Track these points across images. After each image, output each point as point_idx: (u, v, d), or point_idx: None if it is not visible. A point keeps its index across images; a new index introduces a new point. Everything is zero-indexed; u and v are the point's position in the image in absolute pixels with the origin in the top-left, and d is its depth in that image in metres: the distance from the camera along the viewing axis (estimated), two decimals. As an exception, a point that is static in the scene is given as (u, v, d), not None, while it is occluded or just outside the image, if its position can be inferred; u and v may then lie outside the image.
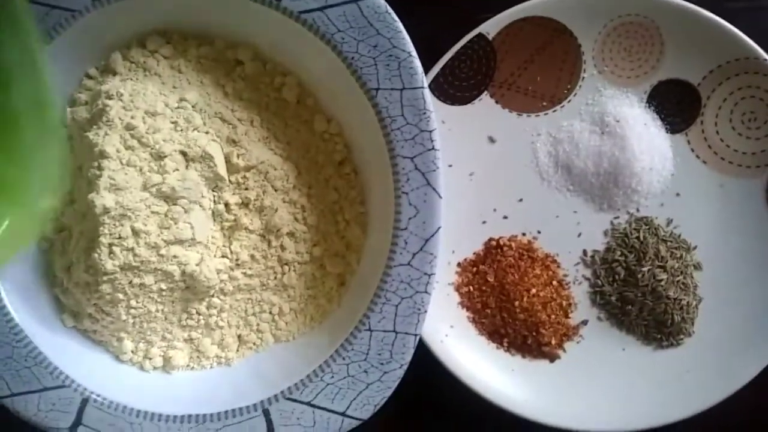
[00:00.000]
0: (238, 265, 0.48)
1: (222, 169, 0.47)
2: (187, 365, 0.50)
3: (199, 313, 0.48)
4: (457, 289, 0.58)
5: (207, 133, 0.48)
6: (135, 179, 0.45)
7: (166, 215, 0.46)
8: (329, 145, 0.51)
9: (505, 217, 0.59)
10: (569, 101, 0.59)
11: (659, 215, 0.58)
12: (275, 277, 0.49)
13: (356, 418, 0.44)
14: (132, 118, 0.46)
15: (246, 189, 0.48)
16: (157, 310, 0.47)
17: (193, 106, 0.48)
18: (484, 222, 0.59)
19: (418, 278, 0.44)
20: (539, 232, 0.59)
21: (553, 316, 0.57)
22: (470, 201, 0.58)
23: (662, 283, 0.56)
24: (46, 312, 0.48)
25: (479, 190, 0.58)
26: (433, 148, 0.43)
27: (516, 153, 0.59)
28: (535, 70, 0.58)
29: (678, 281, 0.56)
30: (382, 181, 0.45)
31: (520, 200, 0.59)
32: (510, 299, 0.57)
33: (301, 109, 0.51)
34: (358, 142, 0.49)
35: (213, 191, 0.48)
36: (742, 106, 0.56)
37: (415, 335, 0.44)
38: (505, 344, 0.58)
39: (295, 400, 0.45)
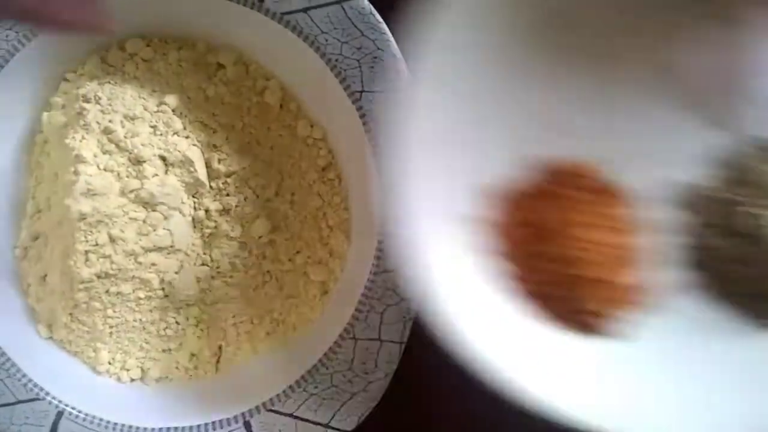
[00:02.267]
0: (218, 273, 0.47)
1: (203, 175, 0.46)
2: (165, 376, 0.48)
3: (177, 323, 0.47)
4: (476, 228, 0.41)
5: (187, 137, 0.46)
6: (113, 184, 0.44)
7: (144, 222, 0.45)
8: (313, 151, 0.50)
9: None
10: None
11: None
12: (256, 286, 0.48)
13: (340, 430, 0.43)
14: (110, 121, 0.45)
15: (227, 195, 0.47)
16: (135, 320, 0.46)
17: (173, 110, 0.47)
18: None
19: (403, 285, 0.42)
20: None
21: (603, 271, 0.39)
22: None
23: None
24: (20, 322, 0.46)
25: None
26: (419, 153, 0.42)
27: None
28: None
29: None
30: (366, 185, 0.44)
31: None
32: (545, 241, 0.40)
33: (284, 114, 0.50)
34: (342, 146, 0.48)
35: (193, 197, 0.46)
36: None
37: (401, 343, 0.43)
38: (539, 308, 0.40)
39: (277, 412, 0.43)
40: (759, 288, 0.39)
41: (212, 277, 0.47)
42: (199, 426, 0.44)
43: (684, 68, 0.41)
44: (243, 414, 0.44)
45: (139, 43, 0.48)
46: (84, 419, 0.44)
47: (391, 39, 0.43)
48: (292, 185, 0.49)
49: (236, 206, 0.47)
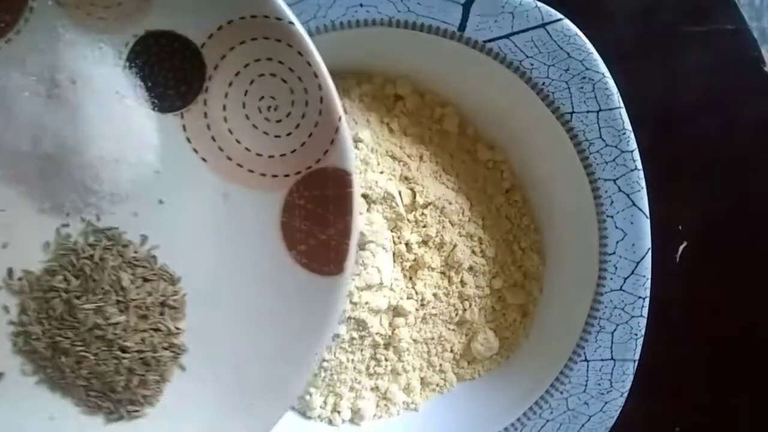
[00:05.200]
0: (423, 305, 0.46)
1: (402, 208, 0.45)
2: (375, 414, 0.47)
3: (387, 359, 0.46)
4: None
5: (382, 172, 0.46)
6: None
7: (355, 262, 0.44)
8: (495, 174, 0.50)
9: None
10: (9, 41, 0.37)
11: (130, 228, 0.39)
12: (456, 314, 0.47)
13: (580, 453, 0.43)
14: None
15: (424, 226, 0.46)
16: (348, 360, 0.46)
17: (366, 147, 0.46)
18: None
19: (632, 302, 0.43)
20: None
21: None
22: None
23: (116, 327, 0.38)
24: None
25: None
26: (635, 168, 0.42)
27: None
28: None
29: (147, 327, 0.39)
30: (576, 205, 0.44)
31: None
32: None
33: (463, 140, 0.50)
34: (534, 168, 0.48)
35: (392, 231, 0.46)
36: (260, 88, 0.38)
37: (634, 361, 0.43)
38: None
39: (514, 441, 0.43)
40: (89, 379, 0.38)
41: (417, 310, 0.46)
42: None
43: (14, 151, 0.38)
44: (479, 446, 0.43)
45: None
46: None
47: (599, 58, 0.43)
48: (482, 210, 0.48)
49: (435, 236, 0.46)
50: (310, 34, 0.39)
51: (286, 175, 0.38)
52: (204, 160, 0.39)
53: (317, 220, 0.37)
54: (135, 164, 0.38)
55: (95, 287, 0.38)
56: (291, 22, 0.36)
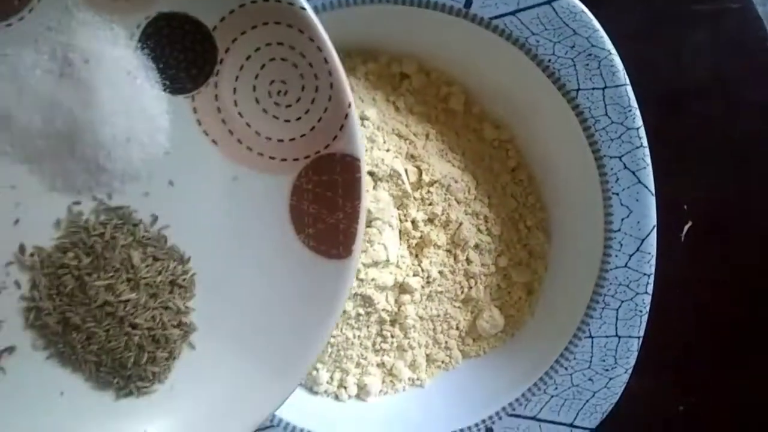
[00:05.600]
0: (428, 282, 0.47)
1: (408, 186, 0.46)
2: (381, 390, 0.48)
3: (393, 336, 0.47)
4: None
5: (388, 150, 0.46)
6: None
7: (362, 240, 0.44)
8: (501, 153, 0.50)
9: None
10: (22, 18, 0.37)
11: (141, 208, 0.39)
12: (462, 292, 0.48)
13: (584, 428, 0.43)
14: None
15: (430, 204, 0.46)
16: (355, 336, 0.46)
17: (372, 125, 0.46)
18: None
19: (636, 279, 0.43)
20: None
21: None
22: None
23: (127, 305, 0.38)
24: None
25: None
26: (641, 146, 0.43)
27: None
28: None
29: (157, 305, 0.39)
30: (582, 183, 0.44)
31: None
32: None
33: (469, 118, 0.50)
34: (540, 146, 0.48)
35: (398, 209, 0.46)
36: (270, 72, 0.38)
37: (639, 338, 0.43)
38: None
39: (519, 416, 0.43)
40: (100, 355, 0.39)
41: (423, 287, 0.46)
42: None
43: (24, 129, 0.38)
44: (484, 421, 0.44)
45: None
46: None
47: (605, 35, 0.43)
48: (488, 189, 0.48)
49: (441, 214, 0.46)
50: (316, 11, 0.39)
51: (296, 159, 0.38)
52: (214, 142, 0.39)
53: (326, 204, 0.38)
54: (146, 144, 0.39)
55: (106, 265, 0.38)
56: (303, 8, 0.36)
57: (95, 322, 0.38)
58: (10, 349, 0.38)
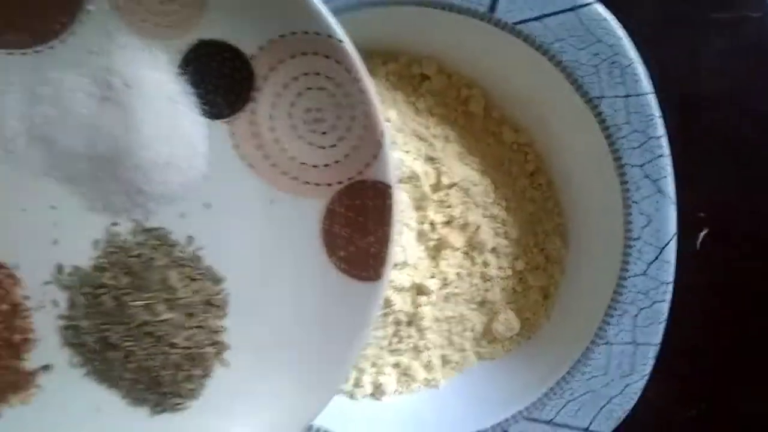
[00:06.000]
0: (445, 284, 0.47)
1: (427, 188, 0.46)
2: (396, 390, 0.48)
3: (409, 337, 0.47)
4: None
5: (408, 152, 0.46)
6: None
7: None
8: (520, 156, 0.50)
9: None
10: (64, 42, 0.38)
11: (177, 229, 0.40)
12: (478, 294, 0.48)
13: (598, 433, 0.43)
14: (340, 142, 0.44)
15: (449, 207, 0.47)
16: (372, 337, 0.46)
17: (393, 126, 0.46)
18: None
19: (655, 288, 0.43)
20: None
21: None
22: None
23: (165, 324, 0.39)
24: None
25: None
26: (662, 155, 0.43)
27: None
28: None
29: (192, 324, 0.40)
30: (601, 190, 0.44)
31: None
32: None
33: (488, 122, 0.50)
34: (559, 151, 0.48)
35: (416, 211, 0.46)
36: (307, 100, 0.39)
37: (656, 345, 0.43)
38: None
39: (535, 420, 0.44)
40: (138, 373, 0.39)
41: (439, 289, 0.47)
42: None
43: (67, 151, 0.38)
44: (500, 423, 0.44)
45: (348, 59, 0.47)
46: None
47: (629, 43, 0.43)
48: (506, 192, 0.49)
49: (459, 217, 0.46)
50: (339, 12, 0.40)
51: (329, 185, 0.39)
52: (251, 166, 0.40)
53: (357, 229, 0.39)
54: (184, 168, 0.39)
55: (144, 285, 0.38)
56: (341, 40, 0.37)
57: (134, 341, 0.39)
58: (47, 367, 0.39)
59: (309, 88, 0.38)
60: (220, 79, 0.39)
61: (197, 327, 0.39)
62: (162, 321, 0.38)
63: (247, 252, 0.40)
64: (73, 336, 0.39)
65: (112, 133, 0.38)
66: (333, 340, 0.39)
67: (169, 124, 0.38)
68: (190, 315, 0.39)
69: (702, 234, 0.54)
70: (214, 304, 0.39)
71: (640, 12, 0.54)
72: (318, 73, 0.38)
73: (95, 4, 0.37)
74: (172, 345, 0.39)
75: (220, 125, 0.39)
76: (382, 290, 0.38)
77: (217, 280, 0.40)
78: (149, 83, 0.38)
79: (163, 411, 0.40)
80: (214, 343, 0.40)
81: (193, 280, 0.39)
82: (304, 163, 0.39)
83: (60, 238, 0.39)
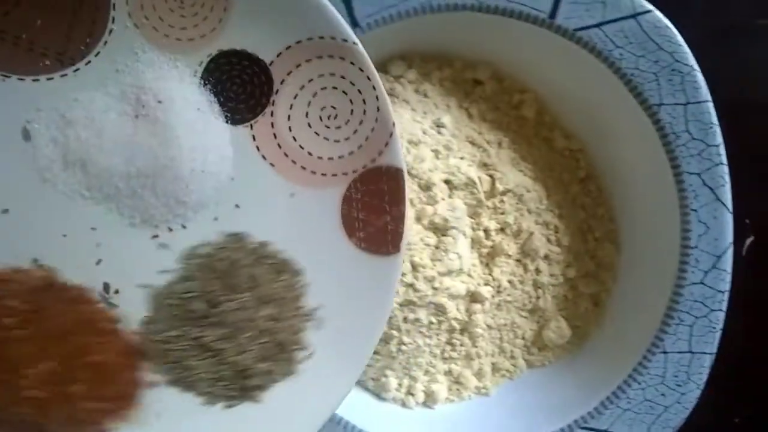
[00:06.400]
0: (498, 291, 0.47)
1: (482, 195, 0.46)
2: (447, 398, 0.48)
3: (462, 344, 0.47)
4: None
5: (462, 158, 0.46)
6: (409, 212, 0.43)
7: (437, 247, 0.44)
8: (571, 162, 0.50)
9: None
10: (89, 63, 0.38)
11: (212, 232, 0.41)
12: (530, 301, 0.48)
13: (655, 442, 0.43)
14: (398, 148, 0.44)
15: (502, 213, 0.47)
16: (425, 344, 0.46)
17: (448, 132, 0.46)
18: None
19: (712, 296, 0.43)
20: (36, 260, 0.39)
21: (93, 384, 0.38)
22: None
23: (261, 320, 0.40)
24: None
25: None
26: (720, 163, 0.43)
27: None
28: (31, 9, 0.37)
29: (284, 316, 0.41)
30: (657, 197, 0.44)
31: (5, 211, 0.38)
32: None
33: (540, 127, 0.50)
34: (612, 158, 0.48)
35: (471, 217, 0.46)
36: (322, 99, 0.41)
37: (712, 354, 0.43)
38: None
39: (591, 429, 0.44)
40: (217, 371, 0.40)
41: (493, 296, 0.47)
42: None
43: (102, 166, 0.39)
44: (556, 432, 0.44)
45: (402, 65, 0.48)
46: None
47: (689, 51, 0.42)
48: (558, 199, 0.48)
49: (513, 223, 0.46)
50: (399, 18, 0.43)
51: (345, 174, 0.41)
52: (272, 165, 0.41)
53: (373, 211, 0.41)
54: (216, 173, 0.40)
55: (234, 284, 0.39)
56: (355, 43, 0.39)
57: (228, 340, 0.39)
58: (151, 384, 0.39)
59: (324, 88, 0.41)
60: (241, 87, 0.41)
61: (285, 318, 0.40)
62: (258, 317, 0.40)
63: (275, 243, 0.42)
64: (156, 347, 0.39)
65: (150, 148, 0.39)
66: (362, 313, 0.40)
67: (202, 134, 0.40)
68: (279, 307, 0.40)
69: (748, 241, 0.54)
70: (297, 295, 0.41)
71: (686, 20, 0.54)
72: (333, 74, 0.40)
73: (118, 24, 0.38)
74: (265, 338, 0.40)
75: (242, 129, 0.41)
76: (400, 261, 0.40)
77: (297, 272, 0.41)
78: (178, 97, 0.39)
79: (242, 402, 0.40)
80: (298, 331, 0.41)
81: (278, 272, 0.41)
82: (320, 157, 0.41)
83: (103, 258, 0.39)
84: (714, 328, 0.44)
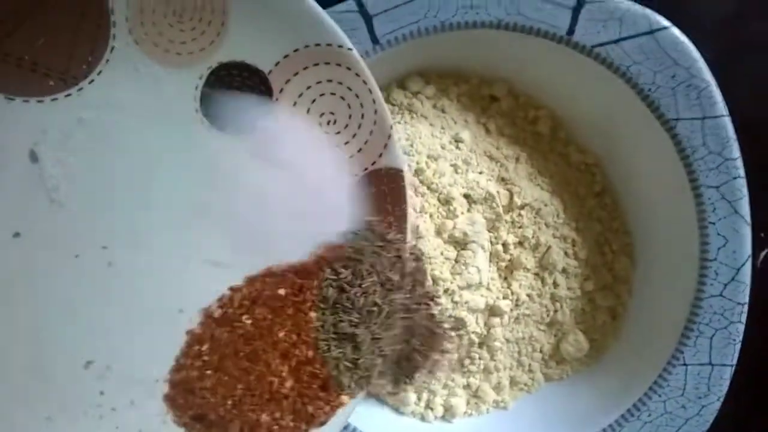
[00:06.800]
0: (517, 305, 0.47)
1: (500, 209, 0.46)
2: (466, 412, 0.48)
3: (481, 358, 0.47)
4: None
5: (481, 173, 0.46)
6: (429, 226, 0.44)
7: (456, 261, 0.45)
8: (587, 177, 0.50)
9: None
10: (92, 82, 0.38)
11: None
12: (547, 315, 0.48)
13: (675, 455, 0.43)
14: (417, 163, 0.44)
15: (521, 227, 0.47)
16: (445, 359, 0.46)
17: (467, 147, 0.46)
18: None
19: (731, 309, 0.43)
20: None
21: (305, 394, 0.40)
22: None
23: (392, 303, 0.41)
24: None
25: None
26: (738, 176, 0.43)
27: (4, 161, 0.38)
28: (34, 28, 0.37)
29: (414, 301, 0.42)
30: (674, 211, 0.45)
31: (17, 235, 0.38)
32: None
33: (555, 142, 0.50)
34: (628, 172, 0.48)
35: (490, 232, 0.46)
36: (321, 105, 0.41)
37: (732, 366, 0.43)
38: None
39: (612, 442, 0.43)
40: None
41: (511, 310, 0.47)
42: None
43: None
44: (578, 446, 0.44)
45: (420, 81, 0.48)
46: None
47: (705, 66, 0.43)
48: (575, 212, 0.49)
49: (531, 237, 0.47)
50: (419, 35, 0.43)
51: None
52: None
53: (377, 211, 0.42)
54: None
55: (363, 271, 0.40)
56: (350, 49, 0.39)
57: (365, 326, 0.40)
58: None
59: (322, 95, 0.41)
60: (240, 97, 0.41)
61: (416, 303, 0.42)
62: (389, 301, 0.40)
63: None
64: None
65: None
66: None
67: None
68: (408, 292, 0.41)
69: (763, 254, 0.54)
70: (418, 280, 0.42)
71: (702, 36, 0.54)
72: (330, 80, 0.40)
73: (119, 41, 0.38)
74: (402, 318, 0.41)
75: (243, 138, 0.41)
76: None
77: (418, 258, 0.42)
78: (179, 109, 0.40)
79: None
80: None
81: (399, 257, 0.41)
82: None
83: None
84: (734, 340, 0.44)
